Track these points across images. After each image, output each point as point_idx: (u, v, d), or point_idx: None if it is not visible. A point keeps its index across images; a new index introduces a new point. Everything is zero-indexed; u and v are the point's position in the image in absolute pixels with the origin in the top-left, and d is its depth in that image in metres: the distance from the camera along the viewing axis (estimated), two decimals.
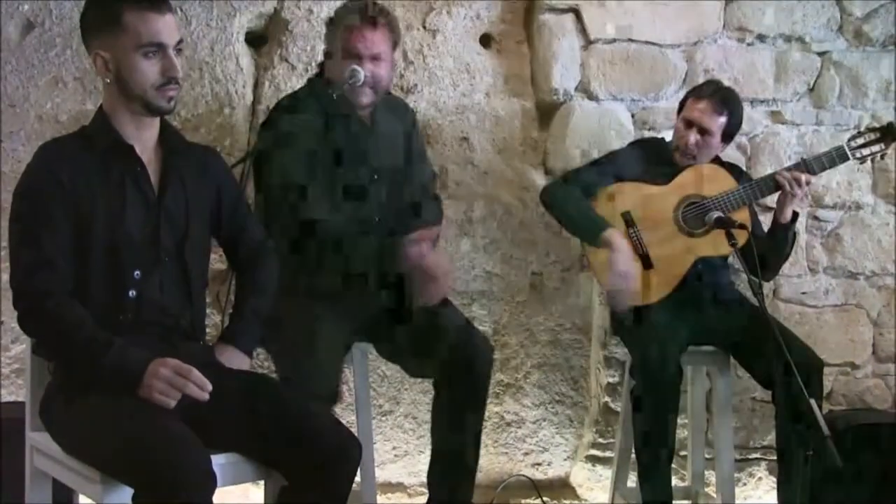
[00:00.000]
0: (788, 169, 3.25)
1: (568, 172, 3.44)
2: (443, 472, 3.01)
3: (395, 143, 3.10)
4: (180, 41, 2.33)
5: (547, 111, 3.71)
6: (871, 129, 3.34)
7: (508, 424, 3.72)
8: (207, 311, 2.61)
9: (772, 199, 3.45)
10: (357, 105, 2.97)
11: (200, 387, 2.16)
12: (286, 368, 2.77)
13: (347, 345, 2.94)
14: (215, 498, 2.09)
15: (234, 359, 2.48)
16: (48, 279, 2.22)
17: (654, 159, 3.34)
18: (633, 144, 3.46)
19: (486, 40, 3.71)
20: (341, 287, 2.90)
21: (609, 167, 3.32)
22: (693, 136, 3.26)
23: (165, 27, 2.28)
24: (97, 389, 2.18)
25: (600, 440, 3.72)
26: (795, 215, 3.25)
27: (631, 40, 3.69)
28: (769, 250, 3.27)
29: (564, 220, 3.33)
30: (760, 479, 3.83)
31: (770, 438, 3.72)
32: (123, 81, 2.29)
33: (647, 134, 3.68)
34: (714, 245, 3.21)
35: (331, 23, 3.03)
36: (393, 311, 2.94)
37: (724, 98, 3.28)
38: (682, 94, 3.46)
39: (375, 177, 3.01)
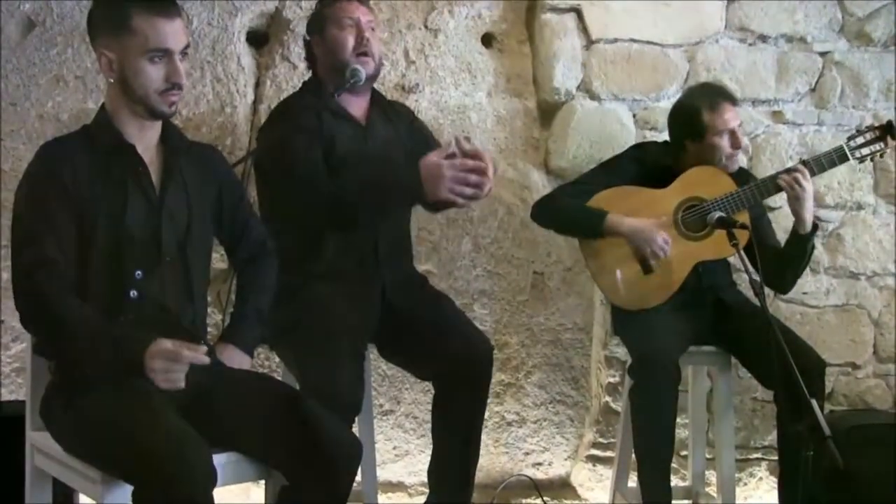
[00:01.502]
0: (788, 171, 3.23)
1: (554, 189, 3.44)
2: (443, 472, 3.01)
3: (392, 145, 3.09)
4: (187, 46, 2.32)
5: (548, 111, 3.71)
6: (870, 129, 3.32)
7: (509, 424, 3.72)
8: (208, 310, 2.61)
9: (772, 200, 3.46)
10: (359, 78, 2.95)
11: (194, 359, 2.13)
12: (308, 382, 2.72)
13: (364, 350, 2.94)
14: (216, 497, 2.09)
15: (235, 358, 2.48)
16: (49, 278, 2.21)
17: (652, 163, 3.33)
18: (633, 149, 3.44)
19: (487, 40, 3.71)
20: (355, 269, 2.91)
21: (600, 177, 3.30)
22: (743, 139, 3.29)
23: (173, 33, 2.28)
24: (106, 384, 2.18)
25: (601, 440, 3.72)
26: (815, 227, 3.23)
27: (633, 40, 3.69)
28: (787, 263, 3.26)
29: (561, 224, 3.33)
30: (761, 479, 3.83)
31: (771, 438, 3.73)
32: (127, 83, 2.29)
33: (648, 133, 3.68)
34: (714, 248, 3.19)
35: (314, 19, 3.05)
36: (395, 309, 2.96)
37: (731, 95, 3.31)
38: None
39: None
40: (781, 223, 3.50)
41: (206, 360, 2.15)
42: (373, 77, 3.03)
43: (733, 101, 3.29)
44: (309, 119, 2.91)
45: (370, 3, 3.08)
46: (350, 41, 2.96)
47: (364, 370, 2.85)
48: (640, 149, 3.44)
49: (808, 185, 3.18)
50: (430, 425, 3.06)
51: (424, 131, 3.25)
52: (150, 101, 2.29)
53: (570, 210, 3.24)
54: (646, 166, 3.32)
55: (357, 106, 3.04)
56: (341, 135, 2.95)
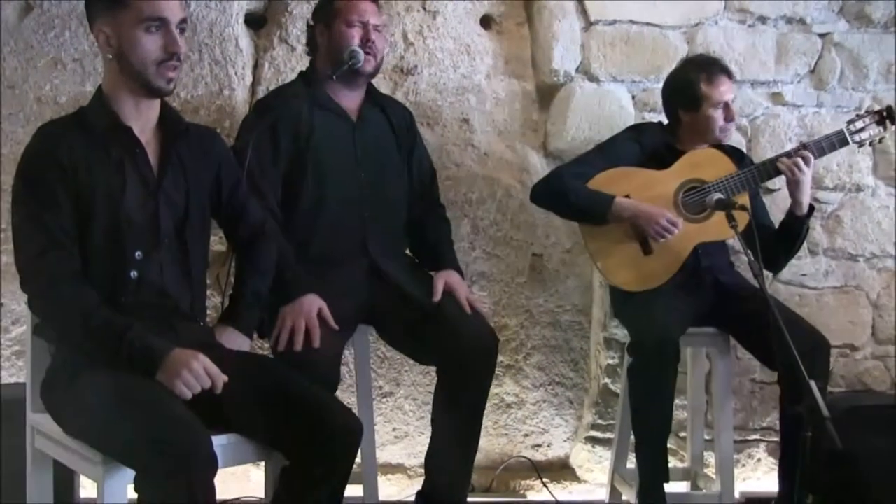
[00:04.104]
0: (788, 154, 3.23)
1: (554, 169, 3.43)
2: (442, 457, 3.00)
3: (384, 142, 3.08)
4: (184, 20, 2.32)
5: (547, 93, 3.70)
6: (870, 113, 3.32)
7: (508, 406, 3.73)
8: (207, 292, 2.62)
9: (771, 182, 3.45)
10: (360, 73, 2.97)
11: (217, 383, 2.20)
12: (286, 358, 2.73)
13: (351, 326, 2.94)
14: (216, 479, 2.09)
15: (235, 340, 2.49)
16: (59, 261, 2.22)
17: (651, 144, 3.33)
18: (630, 129, 3.43)
19: (486, 21, 3.70)
20: (344, 254, 2.96)
21: (600, 158, 3.30)
22: (735, 114, 3.29)
23: (169, 3, 2.27)
24: (112, 369, 2.18)
25: (600, 421, 3.73)
26: (811, 209, 3.23)
27: (632, 22, 3.68)
28: (781, 244, 3.26)
29: (565, 208, 3.29)
30: (759, 460, 3.83)
31: (769, 420, 3.74)
32: (125, 57, 2.28)
33: (647, 115, 3.67)
34: (714, 230, 3.20)
35: (323, 7, 3.04)
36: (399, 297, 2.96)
37: (727, 67, 3.31)
38: None
39: (363, 174, 3.01)
40: (781, 205, 3.49)
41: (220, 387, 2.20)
42: (370, 74, 3.03)
43: (729, 73, 3.30)
44: (294, 111, 2.91)
45: (380, 2, 3.08)
46: (356, 38, 2.96)
47: (342, 349, 2.86)
48: (636, 129, 3.44)
49: (808, 169, 3.18)
50: (429, 407, 3.07)
51: (425, 161, 3.24)
52: (148, 74, 2.28)
53: (575, 193, 3.22)
54: (643, 146, 3.32)
55: (350, 99, 3.03)
56: (325, 127, 2.94)
